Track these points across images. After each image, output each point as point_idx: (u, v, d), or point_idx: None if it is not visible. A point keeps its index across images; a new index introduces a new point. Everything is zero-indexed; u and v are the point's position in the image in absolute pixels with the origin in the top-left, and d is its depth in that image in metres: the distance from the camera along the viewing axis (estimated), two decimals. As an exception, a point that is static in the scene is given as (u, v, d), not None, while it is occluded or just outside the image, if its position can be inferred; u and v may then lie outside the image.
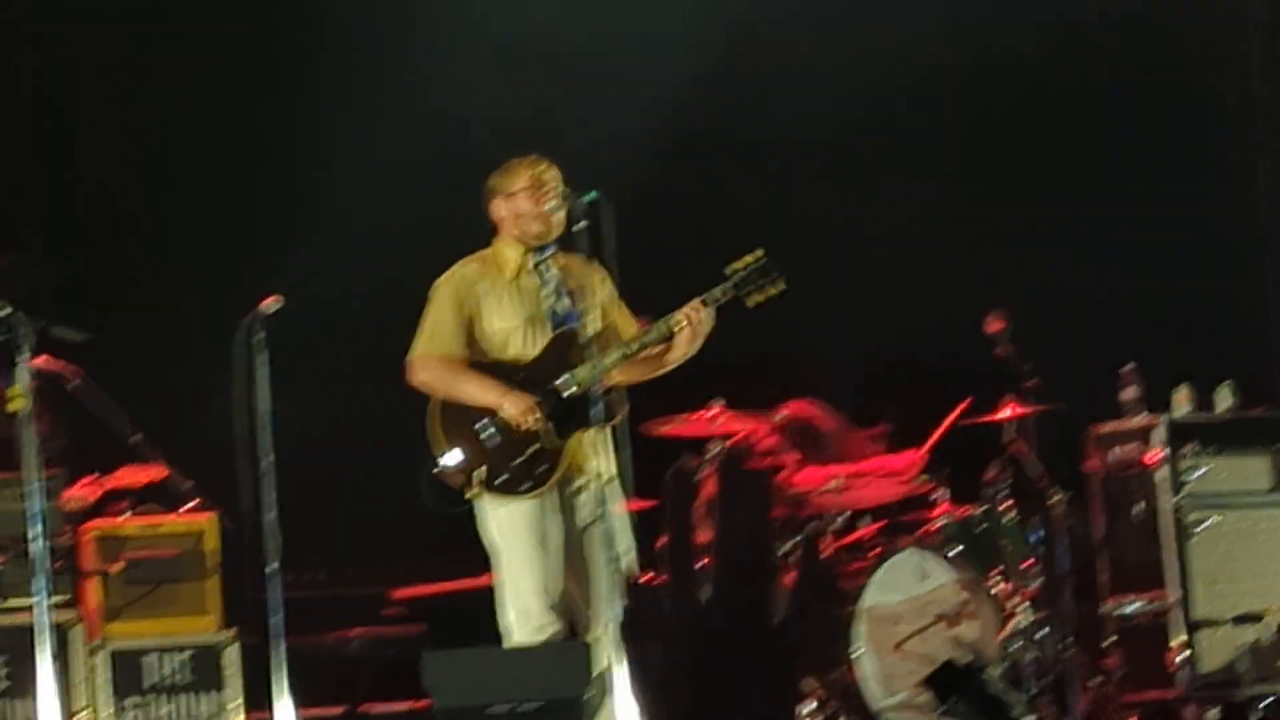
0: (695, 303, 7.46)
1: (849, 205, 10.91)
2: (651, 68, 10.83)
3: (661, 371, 7.60)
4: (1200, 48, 11.36)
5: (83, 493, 8.96)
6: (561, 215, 7.52)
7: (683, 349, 7.50)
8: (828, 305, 10.35)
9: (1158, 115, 11.27)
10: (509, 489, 7.40)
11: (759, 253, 7.58)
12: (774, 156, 10.90)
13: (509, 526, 7.41)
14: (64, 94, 10.66)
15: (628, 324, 7.62)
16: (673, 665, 9.49)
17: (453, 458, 7.45)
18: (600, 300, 7.60)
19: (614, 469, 7.51)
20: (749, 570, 9.46)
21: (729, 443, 9.63)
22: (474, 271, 7.61)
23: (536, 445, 7.41)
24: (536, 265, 7.61)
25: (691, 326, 7.44)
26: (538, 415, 7.38)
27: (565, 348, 7.50)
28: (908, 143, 11.23)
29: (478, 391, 7.45)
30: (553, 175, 7.60)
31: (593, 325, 7.47)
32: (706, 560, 9.52)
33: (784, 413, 9.60)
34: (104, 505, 9.07)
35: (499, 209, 7.65)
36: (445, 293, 7.58)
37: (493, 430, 7.43)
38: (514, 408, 7.39)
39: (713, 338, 7.53)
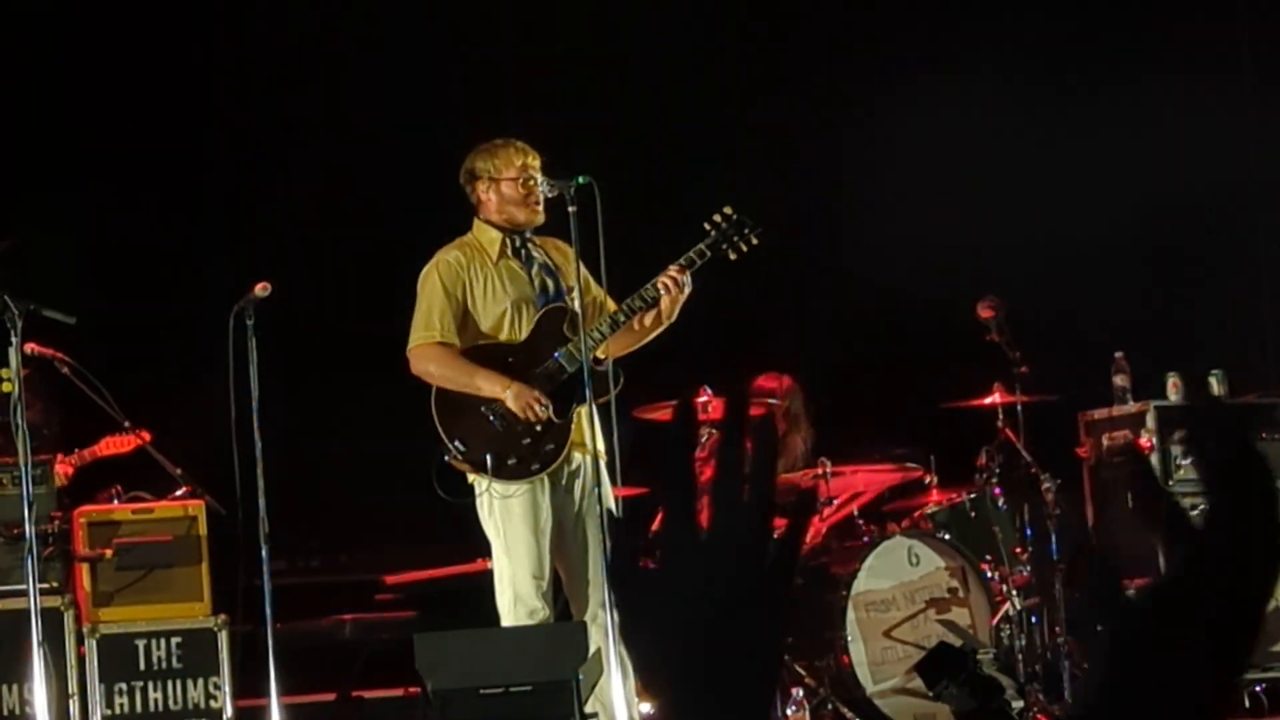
0: (674, 267, 7.46)
1: (838, 185, 10.89)
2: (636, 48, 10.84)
3: (646, 340, 7.58)
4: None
5: (64, 468, 8.95)
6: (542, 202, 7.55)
7: (667, 314, 7.49)
8: (817, 290, 10.34)
9: (1153, 99, 11.27)
10: (519, 473, 7.38)
11: (728, 208, 7.60)
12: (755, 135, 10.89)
13: (504, 510, 7.40)
14: (59, 77, 10.64)
15: (605, 299, 7.64)
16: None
17: (462, 446, 7.43)
18: (580, 275, 7.60)
19: (602, 447, 7.53)
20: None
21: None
22: (459, 257, 7.59)
23: (540, 425, 7.41)
24: (519, 247, 7.61)
25: (673, 291, 7.43)
26: (542, 404, 7.38)
27: (555, 324, 7.50)
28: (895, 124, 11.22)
29: (483, 383, 7.43)
30: (538, 163, 7.60)
31: (578, 300, 7.46)
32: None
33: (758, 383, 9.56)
34: (88, 478, 9.06)
35: (484, 192, 7.63)
36: (434, 280, 7.57)
37: (496, 415, 7.41)
38: (517, 401, 7.38)
39: (700, 316, 7.53)
